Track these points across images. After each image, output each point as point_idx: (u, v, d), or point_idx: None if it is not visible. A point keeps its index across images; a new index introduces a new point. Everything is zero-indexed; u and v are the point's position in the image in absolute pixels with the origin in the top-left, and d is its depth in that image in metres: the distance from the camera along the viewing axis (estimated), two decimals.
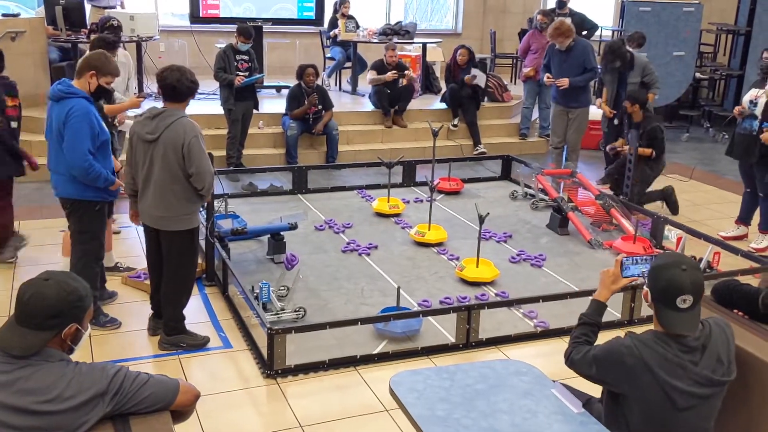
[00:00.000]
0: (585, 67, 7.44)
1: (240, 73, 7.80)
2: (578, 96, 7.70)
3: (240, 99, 7.78)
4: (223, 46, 8.81)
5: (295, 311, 4.67)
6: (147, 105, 4.89)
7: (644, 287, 2.62)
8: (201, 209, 5.42)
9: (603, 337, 2.82)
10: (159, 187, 4.08)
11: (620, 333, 2.67)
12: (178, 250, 4.21)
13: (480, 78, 9.16)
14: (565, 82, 7.39)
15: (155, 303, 4.50)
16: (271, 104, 9.14)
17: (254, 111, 8.07)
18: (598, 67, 7.75)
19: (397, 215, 6.72)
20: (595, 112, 8.84)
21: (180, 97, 4.05)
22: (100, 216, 4.37)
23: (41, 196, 6.97)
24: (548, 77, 7.62)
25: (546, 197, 7.04)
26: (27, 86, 8.18)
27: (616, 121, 7.45)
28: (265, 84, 9.64)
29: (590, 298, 4.61)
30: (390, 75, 8.83)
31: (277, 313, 4.61)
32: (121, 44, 7.55)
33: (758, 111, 5.94)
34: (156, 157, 4.02)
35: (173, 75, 4.02)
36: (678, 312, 2.48)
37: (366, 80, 9.46)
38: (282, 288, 4.94)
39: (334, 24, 10.34)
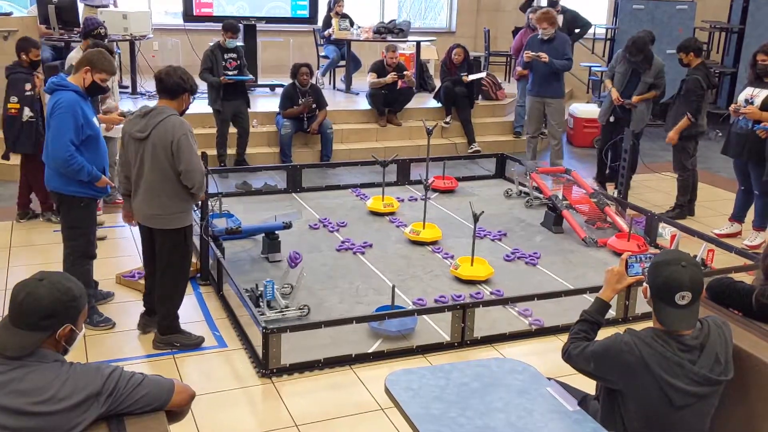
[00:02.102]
0: (563, 57, 7.82)
1: (228, 72, 7.77)
2: (553, 86, 7.98)
3: (228, 99, 7.76)
4: None
5: (299, 309, 4.68)
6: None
7: (644, 283, 2.63)
8: (195, 209, 5.45)
9: (598, 335, 2.82)
10: (150, 186, 4.08)
11: (614, 331, 2.68)
12: (170, 248, 4.21)
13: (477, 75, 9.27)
14: (545, 56, 7.65)
15: (148, 301, 4.50)
16: (265, 103, 9.13)
17: (248, 109, 8.04)
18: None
19: (391, 214, 6.72)
20: (591, 110, 8.87)
21: (166, 91, 4.06)
22: (87, 212, 4.36)
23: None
24: (527, 53, 7.82)
25: (540, 195, 7.05)
26: None
27: (612, 119, 7.46)
28: (259, 83, 9.62)
29: (584, 295, 4.72)
30: (390, 77, 8.82)
31: (282, 311, 4.62)
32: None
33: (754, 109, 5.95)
34: (146, 155, 4.03)
35: (164, 69, 4.10)
36: (676, 309, 2.48)
37: (360, 79, 9.44)
38: (285, 286, 4.94)
39: (328, 22, 10.33)
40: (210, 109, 7.98)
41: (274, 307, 4.64)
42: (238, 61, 7.89)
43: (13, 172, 7.49)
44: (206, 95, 7.98)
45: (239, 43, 8.28)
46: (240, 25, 8.06)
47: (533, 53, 7.73)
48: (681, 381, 2.47)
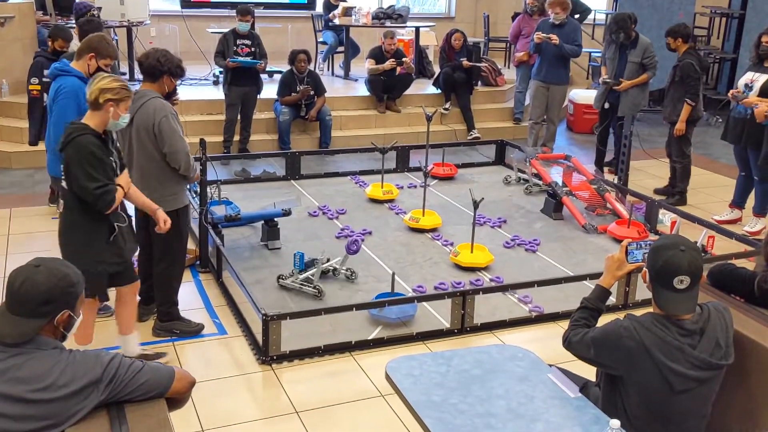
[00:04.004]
0: (573, 43, 7.81)
1: (239, 57, 7.74)
2: (559, 72, 7.96)
3: (237, 84, 7.73)
4: (212, 31, 8.73)
5: (315, 288, 4.78)
6: None
7: (643, 268, 2.62)
8: (194, 196, 5.43)
9: (599, 322, 2.81)
10: (140, 169, 4.11)
11: (615, 317, 2.66)
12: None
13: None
14: (555, 38, 7.62)
15: (143, 289, 4.48)
16: (264, 89, 9.08)
17: (258, 96, 8.01)
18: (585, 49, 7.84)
19: (390, 201, 6.70)
20: (591, 96, 8.84)
21: (146, 74, 4.07)
22: None
23: (32, 183, 6.93)
24: (538, 35, 7.78)
25: (540, 182, 7.03)
26: (17, 72, 8.13)
27: (606, 105, 7.45)
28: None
29: (584, 282, 4.71)
30: (389, 64, 8.76)
31: (300, 283, 4.81)
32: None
33: (753, 94, 5.92)
34: (133, 140, 4.06)
35: (145, 52, 4.11)
36: (675, 293, 2.47)
37: (359, 65, 9.38)
38: (348, 270, 5.03)
39: (329, 6, 10.27)
40: (211, 96, 7.99)
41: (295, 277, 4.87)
42: (252, 49, 7.84)
43: (10, 160, 7.48)
44: (209, 81, 7.95)
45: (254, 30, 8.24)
46: (252, 8, 8.00)
47: (544, 35, 7.70)
48: (681, 365, 2.46)
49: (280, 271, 5.11)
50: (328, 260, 5.07)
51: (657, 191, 7.13)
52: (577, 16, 9.41)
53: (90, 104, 3.48)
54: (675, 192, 7.01)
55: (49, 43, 5.94)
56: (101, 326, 4.42)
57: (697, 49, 7.03)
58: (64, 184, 3.56)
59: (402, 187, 7.09)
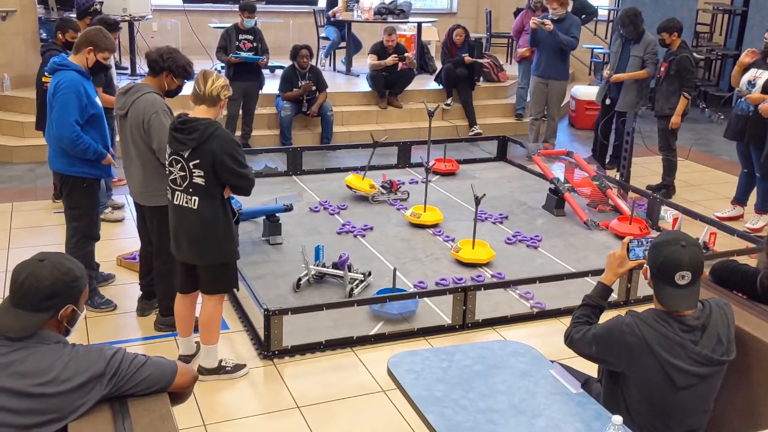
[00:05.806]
0: (570, 35, 7.84)
1: (241, 53, 7.74)
2: (558, 67, 7.98)
3: (239, 79, 7.72)
4: (214, 26, 8.68)
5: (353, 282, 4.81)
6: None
7: (644, 264, 2.62)
8: None
9: (600, 318, 2.81)
10: (134, 162, 4.12)
11: (616, 314, 2.66)
12: (158, 225, 4.19)
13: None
14: (549, 23, 7.64)
15: (144, 284, 4.49)
16: (265, 85, 9.07)
17: (260, 92, 8.01)
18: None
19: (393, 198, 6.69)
20: (592, 92, 8.83)
21: (149, 67, 4.09)
22: (89, 193, 4.35)
23: (34, 177, 6.93)
24: (534, 20, 7.80)
25: (385, 191, 6.67)
26: (18, 67, 8.13)
27: (608, 101, 7.45)
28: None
29: (586, 278, 4.71)
30: (391, 60, 8.75)
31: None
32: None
33: (756, 91, 5.91)
34: (127, 132, 4.07)
35: (156, 48, 4.12)
36: (676, 288, 2.47)
37: (360, 60, 9.36)
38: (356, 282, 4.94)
39: (331, 3, 10.26)
40: None
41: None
42: (255, 44, 7.84)
43: (11, 154, 7.48)
44: None
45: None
46: (256, 4, 7.99)
47: (539, 20, 7.71)
48: (683, 361, 2.46)
49: (282, 267, 5.12)
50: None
51: (650, 188, 7.10)
52: (583, 16, 9.40)
53: (207, 100, 3.60)
54: (662, 185, 7.02)
55: (60, 35, 5.85)
56: (101, 321, 4.44)
57: (699, 45, 7.03)
58: (198, 180, 3.55)
59: (403, 183, 7.07)
